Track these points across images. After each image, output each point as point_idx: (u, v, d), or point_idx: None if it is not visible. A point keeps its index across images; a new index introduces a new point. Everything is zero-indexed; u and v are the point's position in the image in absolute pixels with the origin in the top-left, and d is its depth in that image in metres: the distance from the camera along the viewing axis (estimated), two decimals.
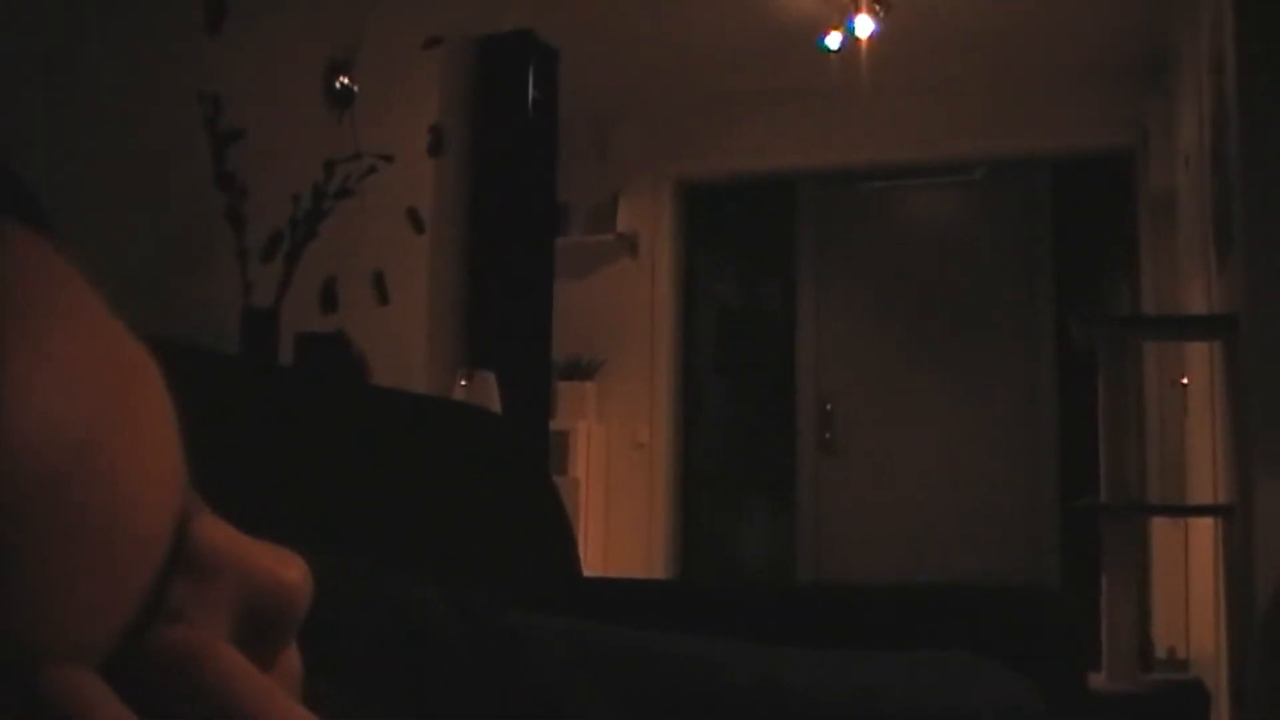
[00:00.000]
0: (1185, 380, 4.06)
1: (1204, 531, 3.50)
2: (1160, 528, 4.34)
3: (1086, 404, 3.48)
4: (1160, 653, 4.20)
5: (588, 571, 1.55)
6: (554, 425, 4.69)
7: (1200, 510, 3.44)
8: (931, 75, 4.99)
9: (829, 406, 5.34)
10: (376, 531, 1.15)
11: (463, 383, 3.01)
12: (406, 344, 3.55)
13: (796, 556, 5.31)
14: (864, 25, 4.33)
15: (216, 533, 0.29)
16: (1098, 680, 2.81)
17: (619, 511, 5.38)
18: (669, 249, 5.55)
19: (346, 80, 3.22)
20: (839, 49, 4.45)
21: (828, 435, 5.32)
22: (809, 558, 5.28)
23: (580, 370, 5.41)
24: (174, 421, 0.29)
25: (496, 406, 2.92)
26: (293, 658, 0.32)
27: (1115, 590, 2.89)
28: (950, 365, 5.16)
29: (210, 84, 2.63)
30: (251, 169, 2.69)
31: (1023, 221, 5.19)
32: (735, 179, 5.62)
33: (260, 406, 1.10)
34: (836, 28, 4.37)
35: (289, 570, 0.30)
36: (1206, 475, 3.37)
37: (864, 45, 4.43)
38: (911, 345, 5.23)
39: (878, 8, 4.30)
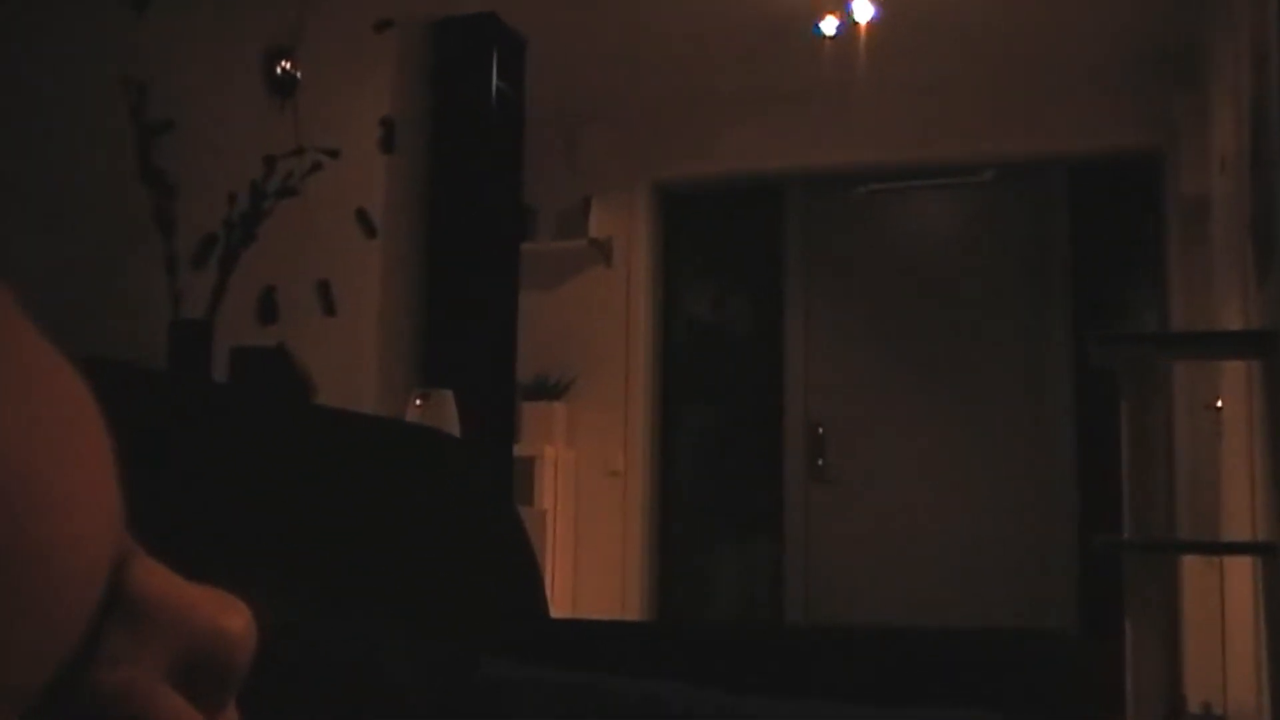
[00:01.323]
0: (1219, 404, 4.07)
1: (1241, 572, 3.49)
2: (1192, 567, 4.33)
3: (1107, 430, 3.49)
4: (1194, 708, 4.19)
5: (555, 612, 1.53)
6: (518, 450, 4.67)
7: (1237, 548, 3.44)
8: (934, 67, 5.01)
9: (820, 431, 5.33)
10: (323, 569, 1.13)
11: (418, 403, 2.99)
12: (355, 360, 3.52)
13: (784, 596, 5.29)
14: (863, 8, 4.35)
15: (154, 578, 0.30)
16: None
17: (590, 546, 5.35)
18: (645, 258, 5.54)
19: (288, 66, 3.20)
20: (835, 34, 4.47)
21: (819, 463, 5.31)
22: (798, 597, 5.27)
23: (548, 390, 5.38)
24: (111, 456, 0.29)
25: (455, 429, 2.90)
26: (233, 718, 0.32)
27: (1141, 637, 2.88)
28: (954, 387, 5.17)
29: (135, 69, 2.60)
30: (182, 164, 2.66)
31: (1035, 229, 5.21)
32: (717, 182, 5.62)
33: (191, 429, 1.08)
34: (833, 12, 4.39)
35: (231, 619, 0.30)
36: (1244, 509, 3.37)
37: (862, 32, 4.45)
38: (911, 365, 5.24)
39: None
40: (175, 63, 2.81)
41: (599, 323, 5.48)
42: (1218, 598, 4.06)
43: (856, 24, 4.41)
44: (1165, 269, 4.87)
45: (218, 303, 2.67)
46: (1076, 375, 4.98)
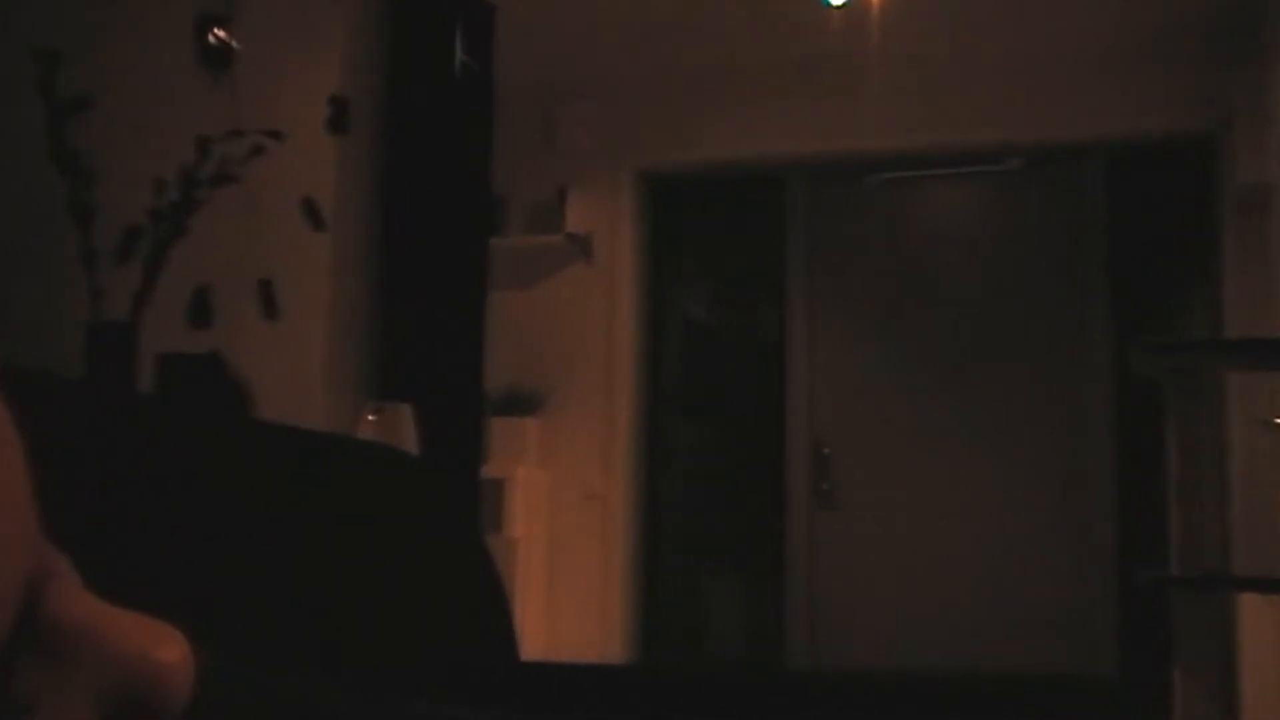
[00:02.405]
0: None
1: None
2: (1249, 606, 4.33)
3: (1152, 449, 3.48)
4: None
5: (527, 653, 1.52)
6: (486, 471, 4.65)
7: None
8: (956, 41, 5.02)
9: (826, 451, 5.33)
10: (263, 604, 1.12)
11: (371, 417, 2.99)
12: (300, 369, 3.51)
13: (785, 635, 5.29)
14: None
15: (76, 604, 0.30)
16: None
17: (566, 579, 5.34)
18: (630, 255, 5.54)
19: (223, 35, 3.19)
20: (845, 2, 4.47)
21: (824, 486, 5.31)
22: (800, 637, 5.26)
23: (520, 404, 5.37)
24: (22, 472, 0.29)
25: (414, 448, 2.89)
26: None
27: (1191, 683, 2.88)
28: (978, 402, 5.17)
29: (46, 36, 2.59)
30: (101, 146, 2.65)
31: (1070, 224, 5.22)
32: (712, 171, 5.62)
33: (113, 446, 1.07)
34: None
35: (164, 649, 0.31)
36: None
37: (875, 2, 4.45)
38: (928, 377, 5.24)
39: None
40: (91, 29, 2.79)
41: (578, 328, 5.47)
42: (1278, 639, 4.07)
43: None
44: (1218, 267, 4.88)
45: (143, 303, 2.66)
46: (1117, 387, 4.98)
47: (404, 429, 2.97)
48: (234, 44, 3.22)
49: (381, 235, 3.95)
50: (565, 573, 5.35)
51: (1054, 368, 5.13)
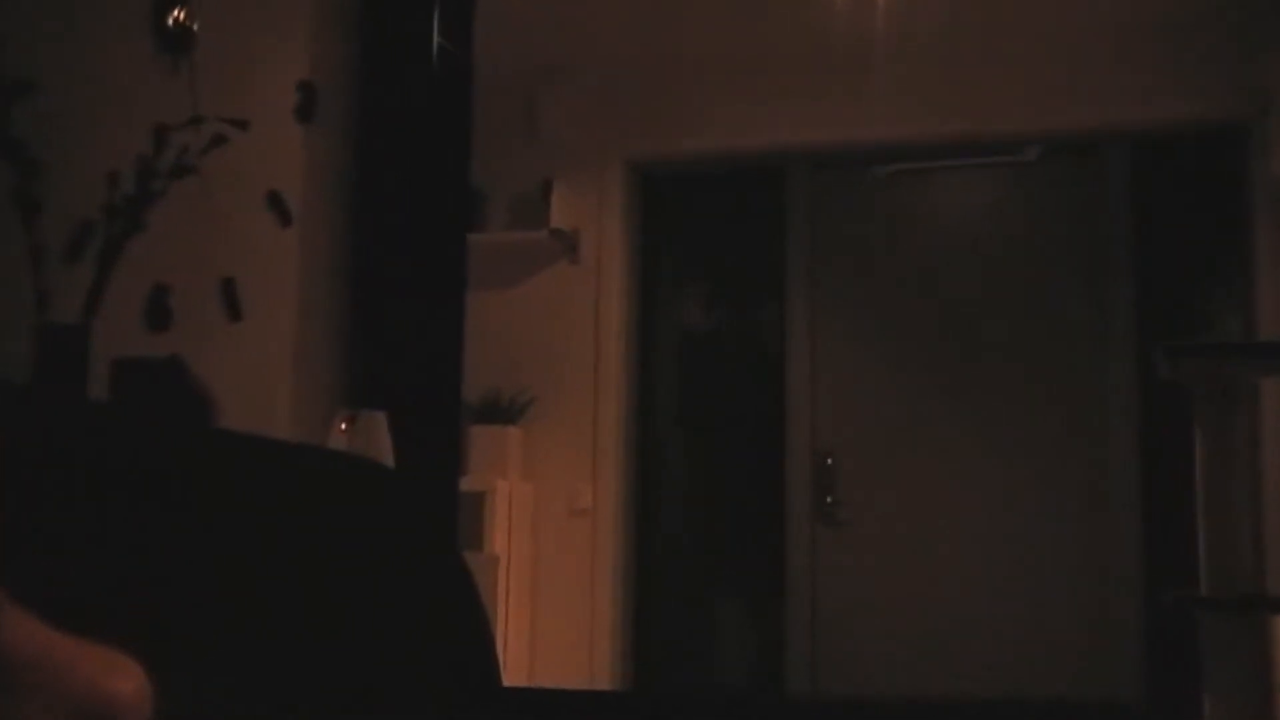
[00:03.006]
0: None
1: None
2: None
3: (1179, 461, 3.46)
4: None
5: (509, 679, 1.50)
6: (465, 484, 4.63)
7: None
8: (970, 24, 5.03)
9: (829, 462, 5.34)
10: (227, 625, 1.11)
11: (343, 426, 2.97)
12: (266, 374, 3.51)
13: (786, 661, 5.29)
14: None
15: (22, 631, 0.29)
16: None
17: (551, 599, 5.33)
18: (619, 253, 5.54)
19: (182, 16, 3.17)
20: None
21: (827, 500, 5.32)
22: (802, 662, 5.26)
23: (501, 412, 5.37)
24: None
25: (389, 459, 2.88)
26: None
27: (1223, 711, 2.87)
28: (992, 410, 5.18)
29: None
30: (49, 135, 2.63)
31: (1091, 218, 5.23)
32: (707, 162, 5.63)
33: (63, 457, 1.06)
34: None
35: (119, 680, 0.30)
36: None
37: None
38: (940, 383, 5.24)
39: None
40: (38, 8, 2.78)
41: (563, 330, 5.47)
42: None
43: None
44: (1250, 265, 4.89)
45: (96, 304, 2.65)
46: (1141, 394, 4.99)
47: (378, 438, 2.95)
48: (194, 25, 3.20)
49: (353, 231, 3.94)
50: (550, 593, 5.34)
51: (1074, 373, 5.14)
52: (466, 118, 4.18)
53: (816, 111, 5.32)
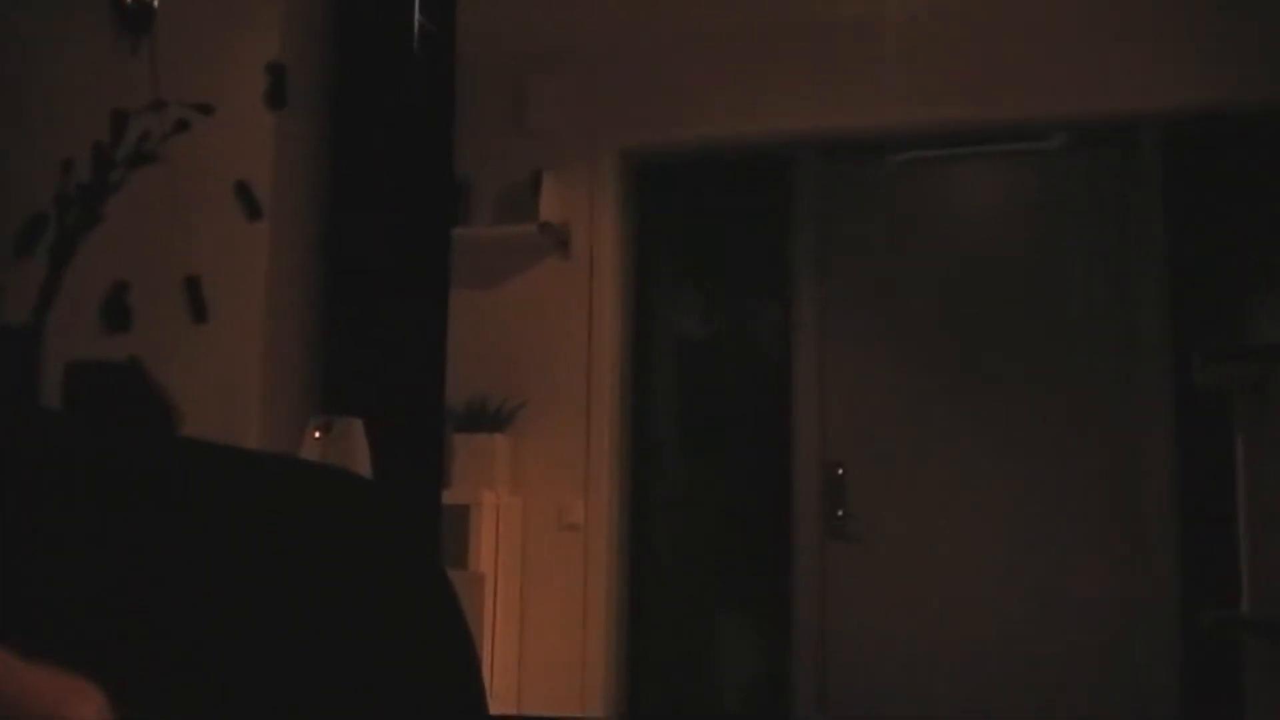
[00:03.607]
0: None
1: None
2: None
3: (1217, 472, 3.45)
4: None
5: (496, 707, 1.48)
6: (448, 497, 4.62)
7: None
8: (990, 1, 5.02)
9: (840, 472, 5.33)
10: (193, 648, 1.08)
11: (317, 435, 2.96)
12: (233, 379, 3.50)
13: (793, 686, 5.29)
14: None
15: None
16: None
17: (541, 620, 5.33)
18: (614, 248, 5.54)
19: None
20: None
21: (838, 514, 5.31)
22: (809, 689, 5.26)
23: (487, 419, 5.36)
24: None
25: (366, 469, 2.87)
26: None
27: None
28: (1015, 417, 5.17)
29: None
30: None
31: (1121, 210, 5.22)
32: (706, 151, 5.63)
33: (13, 467, 1.03)
34: None
35: (76, 707, 0.30)
36: None
37: None
38: (959, 387, 5.24)
39: None
40: None
41: (554, 332, 5.47)
42: None
43: None
44: None
45: (49, 303, 2.63)
46: (1176, 401, 4.98)
47: (354, 447, 2.94)
48: (155, 3, 3.19)
49: (327, 225, 3.93)
50: (540, 614, 5.33)
51: (1103, 379, 5.13)
52: (450, 103, 4.18)
53: (825, 95, 5.32)
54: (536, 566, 5.37)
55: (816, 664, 5.27)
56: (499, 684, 5.03)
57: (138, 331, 3.09)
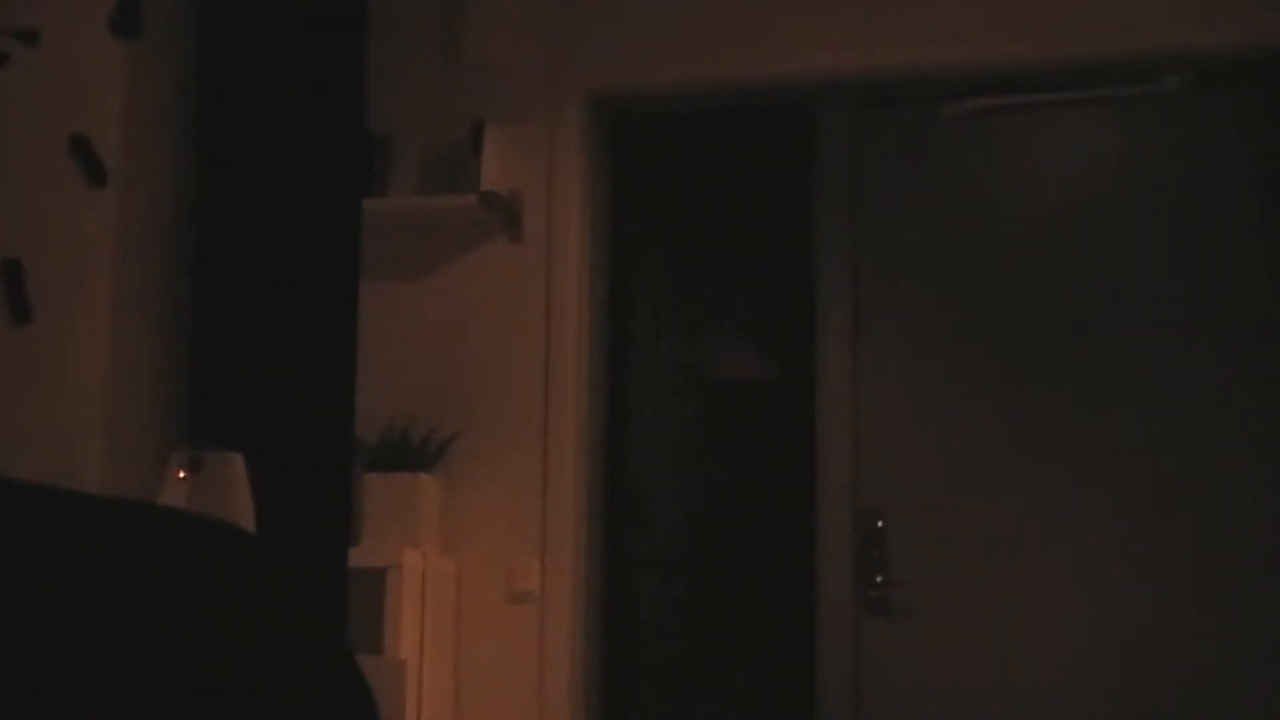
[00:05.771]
0: None
1: None
2: None
3: None
4: None
5: None
6: (357, 557, 4.61)
7: None
8: None
9: (879, 524, 5.31)
10: None
11: (181, 474, 2.93)
12: (67, 398, 3.48)
13: None
14: None
15: None
16: None
17: None
18: (579, 226, 5.53)
19: None
20: None
21: (877, 580, 5.29)
22: None
23: (410, 455, 5.35)
24: None
25: (248, 519, 2.84)
26: None
27: None
28: (1115, 446, 5.15)
29: None
30: None
31: (1258, 168, 5.21)
32: (702, 97, 5.63)
33: None
34: None
35: None
36: None
37: None
38: (1037, 409, 5.22)
39: None
40: None
41: (499, 339, 5.48)
42: None
43: None
44: None
45: None
46: None
47: (231, 491, 2.91)
48: None
49: (196, 195, 3.91)
50: (481, 712, 5.32)
51: (1238, 385, 5.12)
52: (361, 33, 4.17)
53: (861, 24, 5.33)
54: (476, 650, 5.35)
55: None
56: None
57: None
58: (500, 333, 5.47)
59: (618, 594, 5.56)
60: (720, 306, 5.71)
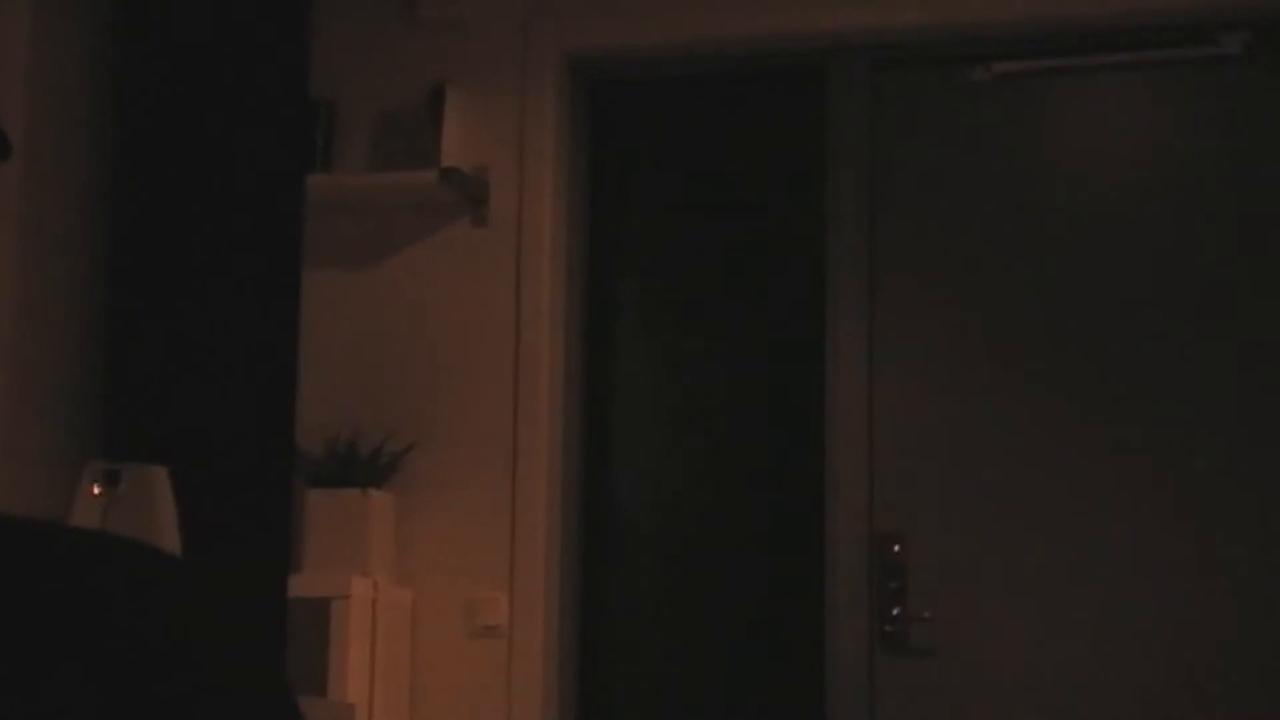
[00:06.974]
0: None
1: None
2: None
3: None
4: None
5: None
6: (298, 586, 4.63)
7: None
8: None
9: (896, 549, 5.33)
10: None
11: (96, 490, 2.95)
12: None
13: None
14: None
15: None
16: None
17: None
18: (554, 207, 5.55)
19: None
20: None
21: (893, 613, 5.31)
22: None
23: (359, 468, 5.36)
24: None
25: (173, 541, 2.86)
26: None
27: None
28: (1166, 457, 5.17)
29: None
30: None
31: None
32: (695, 59, 5.64)
33: None
34: None
35: None
36: None
37: None
38: (1075, 417, 5.24)
39: None
40: None
41: (462, 336, 5.49)
42: None
43: None
44: None
45: None
46: None
47: (154, 510, 2.93)
48: None
49: (113, 171, 3.92)
50: None
51: None
52: None
53: None
54: (434, 692, 5.38)
55: None
56: None
57: None
58: (463, 330, 5.48)
59: (595, 629, 5.58)
60: (715, 301, 5.72)
